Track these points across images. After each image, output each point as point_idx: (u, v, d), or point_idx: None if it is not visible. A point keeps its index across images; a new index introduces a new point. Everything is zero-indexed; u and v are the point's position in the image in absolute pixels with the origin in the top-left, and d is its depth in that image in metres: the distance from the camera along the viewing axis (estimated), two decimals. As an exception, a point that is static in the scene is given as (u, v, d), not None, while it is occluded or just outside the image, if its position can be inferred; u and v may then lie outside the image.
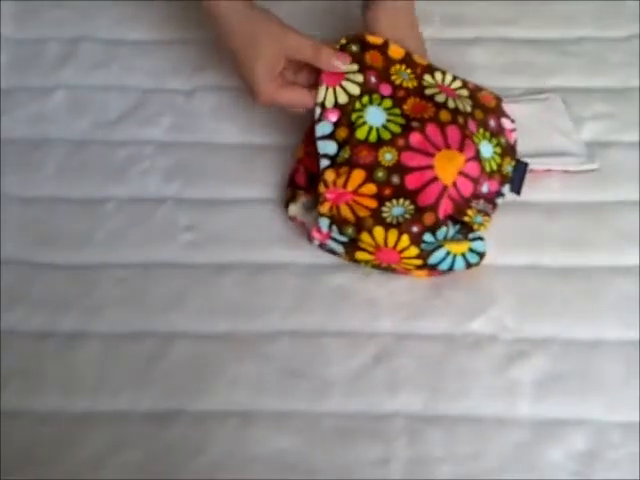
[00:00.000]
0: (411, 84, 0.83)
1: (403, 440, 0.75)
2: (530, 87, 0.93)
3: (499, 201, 0.83)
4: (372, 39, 0.83)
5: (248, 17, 0.80)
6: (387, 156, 0.78)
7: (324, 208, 0.79)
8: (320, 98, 0.80)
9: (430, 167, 0.78)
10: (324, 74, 0.80)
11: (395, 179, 0.78)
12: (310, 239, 0.81)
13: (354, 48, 0.82)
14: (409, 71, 0.83)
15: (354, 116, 0.80)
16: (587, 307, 0.80)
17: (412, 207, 0.78)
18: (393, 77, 0.82)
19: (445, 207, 0.79)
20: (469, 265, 0.80)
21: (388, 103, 0.81)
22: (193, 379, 0.78)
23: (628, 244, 0.83)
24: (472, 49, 0.96)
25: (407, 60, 0.84)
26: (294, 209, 0.84)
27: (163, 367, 0.78)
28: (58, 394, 0.77)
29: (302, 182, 0.84)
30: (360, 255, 0.80)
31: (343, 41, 0.82)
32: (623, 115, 0.91)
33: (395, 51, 0.83)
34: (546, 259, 0.83)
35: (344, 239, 0.80)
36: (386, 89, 0.82)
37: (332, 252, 0.82)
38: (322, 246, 0.82)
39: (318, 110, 0.80)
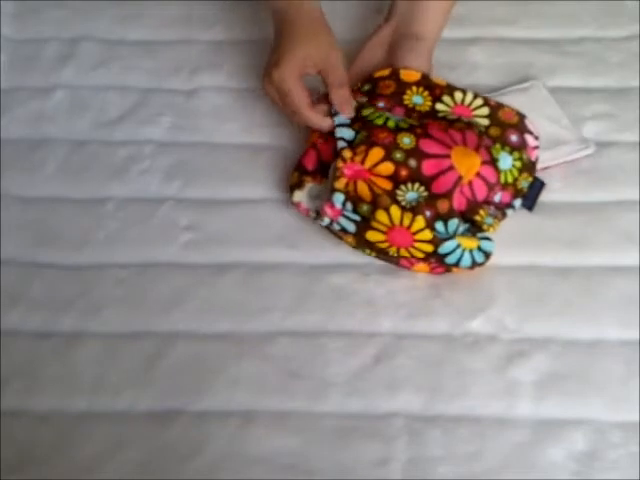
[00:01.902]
0: (424, 108, 0.84)
1: (403, 440, 0.75)
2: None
3: (509, 212, 0.83)
4: (382, 72, 0.86)
5: (312, 16, 0.84)
6: (405, 140, 0.79)
7: (340, 183, 0.79)
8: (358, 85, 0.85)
9: (447, 156, 0.79)
10: None
11: (412, 162, 0.78)
12: (321, 214, 0.80)
13: (366, 87, 0.86)
14: (426, 93, 0.84)
15: (366, 112, 0.82)
16: (587, 307, 0.80)
17: (426, 194, 0.78)
18: (406, 101, 0.84)
19: (459, 201, 0.79)
20: (474, 264, 0.79)
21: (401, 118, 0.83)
22: (193, 379, 0.78)
23: (628, 244, 0.83)
24: (472, 49, 0.96)
25: (424, 82, 0.85)
26: (299, 195, 0.83)
27: (163, 367, 0.78)
28: (58, 394, 0.77)
29: (311, 166, 0.84)
30: (372, 235, 0.79)
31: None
32: (623, 115, 0.91)
33: (408, 75, 0.85)
34: (546, 259, 0.83)
35: (357, 217, 0.79)
36: (399, 111, 0.84)
37: (340, 231, 0.81)
38: (330, 224, 0.81)
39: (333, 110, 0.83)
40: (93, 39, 0.98)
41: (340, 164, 0.79)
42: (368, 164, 0.78)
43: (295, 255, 0.84)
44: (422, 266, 0.81)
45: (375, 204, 0.78)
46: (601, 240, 0.84)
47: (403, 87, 0.85)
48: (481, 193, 0.80)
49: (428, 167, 0.78)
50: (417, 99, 0.84)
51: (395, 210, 0.77)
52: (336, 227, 0.81)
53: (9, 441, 0.75)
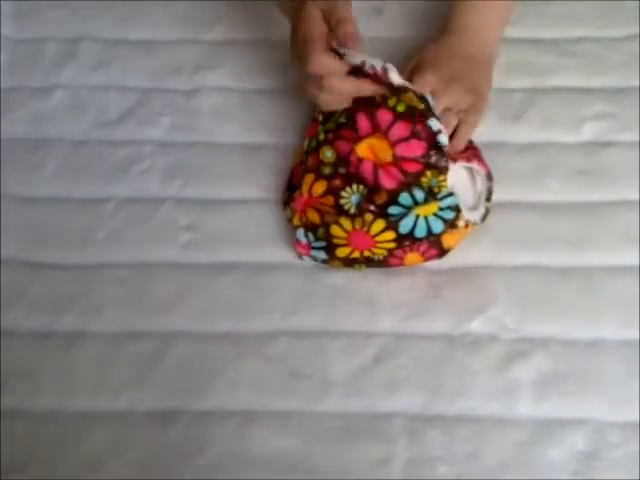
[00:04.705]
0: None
1: (403, 440, 0.75)
2: (530, 87, 0.93)
3: (442, 139, 0.79)
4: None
5: None
6: (327, 154, 0.81)
7: (296, 220, 0.81)
8: (304, 147, 0.84)
9: (352, 150, 0.79)
10: (308, 128, 0.85)
11: (342, 169, 0.79)
12: (299, 256, 0.82)
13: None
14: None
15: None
16: (587, 307, 0.80)
17: (366, 190, 0.78)
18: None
19: (392, 180, 0.78)
20: (447, 223, 0.78)
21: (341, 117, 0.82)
22: (193, 379, 0.78)
23: (628, 244, 0.83)
24: (472, 49, 0.96)
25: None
26: (292, 211, 0.84)
27: (163, 367, 0.78)
28: (58, 394, 0.77)
29: (300, 183, 0.84)
30: (340, 252, 0.80)
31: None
32: (623, 115, 0.91)
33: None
34: (546, 259, 0.83)
35: (322, 244, 0.80)
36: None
37: (324, 262, 0.82)
38: (313, 259, 0.82)
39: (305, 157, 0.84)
40: (93, 39, 0.98)
41: (292, 204, 0.82)
42: (306, 191, 0.80)
43: (295, 255, 0.84)
44: (413, 256, 0.80)
45: (326, 224, 0.79)
46: (601, 240, 0.84)
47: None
48: (411, 167, 0.79)
49: (352, 166, 0.79)
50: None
51: (344, 220, 0.79)
52: (317, 260, 0.82)
53: (9, 441, 0.75)
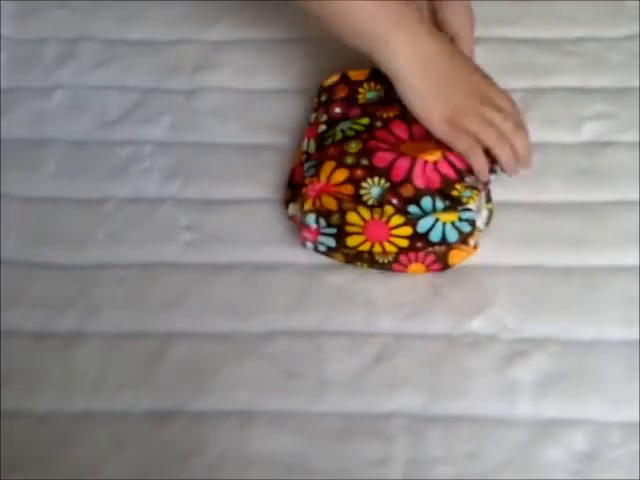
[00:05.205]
0: (378, 97, 0.84)
1: (403, 440, 0.74)
2: (530, 87, 0.93)
3: (492, 177, 0.82)
4: (332, 79, 0.87)
5: None
6: (352, 144, 0.80)
7: (308, 204, 0.80)
8: (304, 147, 0.85)
9: (394, 150, 0.80)
10: (307, 128, 0.86)
11: (364, 161, 0.79)
12: (303, 242, 0.82)
13: (323, 98, 0.86)
14: (379, 87, 0.85)
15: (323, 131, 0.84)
16: (587, 307, 0.80)
17: (388, 184, 0.78)
18: (360, 100, 0.84)
19: (427, 180, 0.78)
20: (462, 235, 0.78)
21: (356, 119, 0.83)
22: (193, 379, 0.78)
23: (628, 244, 0.83)
24: (472, 49, 0.96)
25: (374, 76, 0.85)
26: (294, 208, 0.84)
27: (163, 367, 0.78)
28: (57, 394, 0.77)
29: (301, 180, 0.84)
30: (351, 240, 0.79)
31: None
32: (623, 115, 0.91)
33: (357, 74, 0.86)
34: (546, 259, 0.83)
35: (332, 230, 0.80)
36: (355, 112, 0.84)
37: (327, 251, 0.82)
38: (317, 247, 0.82)
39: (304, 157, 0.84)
40: (93, 39, 0.98)
41: (304, 189, 0.81)
42: (324, 178, 0.80)
43: (295, 255, 0.84)
44: (417, 266, 0.81)
45: (343, 210, 0.79)
46: (601, 240, 0.84)
47: (355, 87, 0.86)
48: (450, 172, 0.80)
49: (379, 160, 0.79)
50: (371, 95, 0.85)
51: (363, 209, 0.78)
52: (321, 248, 0.81)
53: (9, 441, 0.75)
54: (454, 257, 0.81)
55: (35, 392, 0.78)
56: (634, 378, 0.76)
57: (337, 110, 0.85)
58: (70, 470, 0.74)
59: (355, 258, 0.81)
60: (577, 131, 0.90)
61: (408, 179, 0.78)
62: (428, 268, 0.81)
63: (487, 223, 0.82)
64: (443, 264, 0.81)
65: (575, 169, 0.88)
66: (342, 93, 0.86)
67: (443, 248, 0.79)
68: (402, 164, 0.79)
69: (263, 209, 0.87)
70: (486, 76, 0.82)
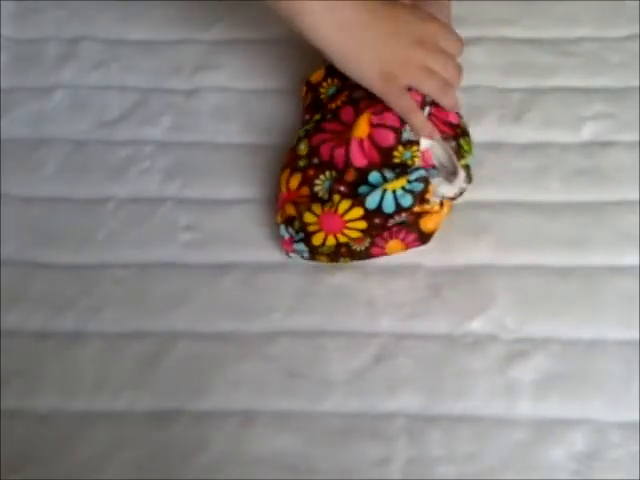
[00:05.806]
0: (337, 90, 0.84)
1: (403, 440, 0.75)
2: (530, 87, 0.93)
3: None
4: (317, 74, 0.87)
5: None
6: (302, 146, 0.81)
7: (278, 217, 0.82)
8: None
9: (335, 139, 0.80)
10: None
11: (315, 159, 0.80)
12: (286, 254, 0.82)
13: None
14: (336, 80, 0.85)
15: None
16: (587, 307, 0.80)
17: (336, 174, 0.79)
18: (323, 98, 0.85)
19: (364, 158, 0.78)
20: (415, 195, 0.77)
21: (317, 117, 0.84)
22: (193, 379, 0.78)
23: (628, 244, 0.83)
24: (472, 49, 0.95)
25: (330, 72, 0.85)
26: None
27: (163, 367, 0.78)
28: (58, 394, 0.77)
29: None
30: (315, 239, 0.79)
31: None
32: (623, 115, 0.91)
33: (316, 75, 0.86)
34: (546, 259, 0.83)
35: (301, 235, 0.80)
36: (317, 114, 0.85)
37: (310, 256, 0.81)
38: (301, 255, 0.81)
39: None
40: (93, 39, 0.98)
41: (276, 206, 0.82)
42: (284, 188, 0.81)
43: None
44: (394, 244, 0.80)
45: (300, 213, 0.79)
46: (601, 240, 0.84)
47: (317, 89, 0.86)
48: (387, 140, 0.79)
49: (324, 154, 0.80)
50: (331, 91, 0.85)
51: (315, 206, 0.79)
52: (305, 255, 0.81)
53: (9, 441, 0.75)
54: (426, 223, 0.79)
55: (35, 392, 0.78)
56: (634, 378, 0.76)
57: (307, 117, 0.85)
58: (70, 470, 0.74)
59: (335, 255, 0.81)
60: (577, 131, 0.90)
61: (349, 164, 0.79)
62: (406, 244, 0.80)
63: (469, 181, 0.80)
64: (418, 234, 0.79)
65: (575, 169, 0.87)
66: (308, 99, 0.87)
67: (406, 216, 0.78)
68: (339, 151, 0.79)
69: (263, 209, 0.87)
70: (433, 20, 0.81)
